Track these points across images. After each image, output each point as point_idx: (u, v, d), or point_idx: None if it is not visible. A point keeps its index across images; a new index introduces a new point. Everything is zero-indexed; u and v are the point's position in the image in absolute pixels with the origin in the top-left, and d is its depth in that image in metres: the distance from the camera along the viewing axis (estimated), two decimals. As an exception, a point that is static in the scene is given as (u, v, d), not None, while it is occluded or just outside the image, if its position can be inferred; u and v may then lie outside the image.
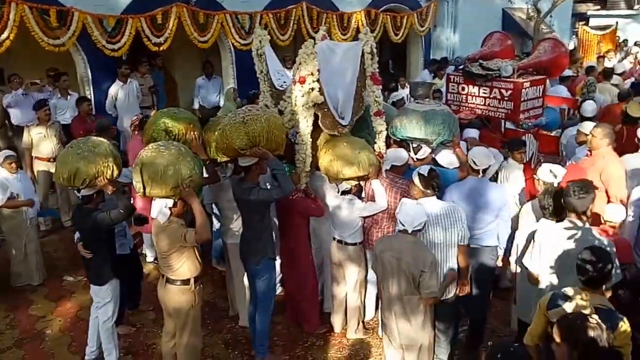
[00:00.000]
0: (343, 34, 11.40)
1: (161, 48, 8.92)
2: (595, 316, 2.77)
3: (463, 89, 6.93)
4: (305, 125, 4.92)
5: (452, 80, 7.10)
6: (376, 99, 5.19)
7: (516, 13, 15.54)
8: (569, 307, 2.93)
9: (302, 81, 4.76)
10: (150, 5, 8.70)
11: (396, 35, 12.71)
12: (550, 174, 4.61)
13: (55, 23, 7.70)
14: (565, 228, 3.72)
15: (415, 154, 5.18)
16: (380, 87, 5.24)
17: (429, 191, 4.25)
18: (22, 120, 7.76)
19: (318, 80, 4.79)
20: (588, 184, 3.80)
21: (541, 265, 3.82)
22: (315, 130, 5.09)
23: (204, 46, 9.53)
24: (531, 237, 4.03)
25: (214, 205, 5.66)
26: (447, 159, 5.27)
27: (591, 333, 2.64)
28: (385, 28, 12.35)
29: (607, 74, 10.05)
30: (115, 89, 8.55)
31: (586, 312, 2.84)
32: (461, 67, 7.07)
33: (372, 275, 5.15)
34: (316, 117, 4.99)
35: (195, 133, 4.86)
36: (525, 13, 15.64)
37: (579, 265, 3.14)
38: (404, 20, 12.75)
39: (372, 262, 4.69)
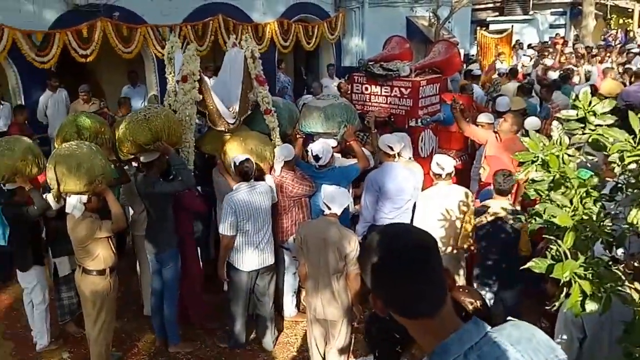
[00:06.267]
0: (258, 44, 12.12)
1: (88, 59, 9.57)
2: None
3: (366, 88, 7.07)
4: (188, 119, 5.22)
5: (355, 80, 7.21)
6: (264, 98, 5.58)
7: (419, 21, 16.67)
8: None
9: (184, 80, 5.13)
10: (76, 20, 9.36)
11: (308, 43, 13.54)
12: (437, 166, 4.83)
13: (-14, 39, 8.24)
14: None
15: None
16: (267, 87, 5.65)
17: (239, 178, 4.76)
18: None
19: (200, 80, 5.16)
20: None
21: None
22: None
23: (129, 57, 10.17)
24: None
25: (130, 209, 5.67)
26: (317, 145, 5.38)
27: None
28: (298, 37, 13.16)
29: (514, 73, 10.97)
30: (45, 99, 9.03)
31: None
32: (364, 68, 7.34)
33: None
34: (202, 113, 5.39)
35: (106, 135, 5.08)
36: (427, 20, 17.09)
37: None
38: (315, 30, 13.53)
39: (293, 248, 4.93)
